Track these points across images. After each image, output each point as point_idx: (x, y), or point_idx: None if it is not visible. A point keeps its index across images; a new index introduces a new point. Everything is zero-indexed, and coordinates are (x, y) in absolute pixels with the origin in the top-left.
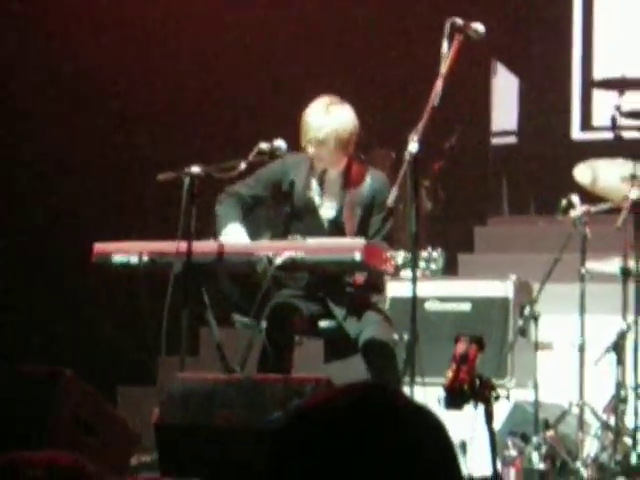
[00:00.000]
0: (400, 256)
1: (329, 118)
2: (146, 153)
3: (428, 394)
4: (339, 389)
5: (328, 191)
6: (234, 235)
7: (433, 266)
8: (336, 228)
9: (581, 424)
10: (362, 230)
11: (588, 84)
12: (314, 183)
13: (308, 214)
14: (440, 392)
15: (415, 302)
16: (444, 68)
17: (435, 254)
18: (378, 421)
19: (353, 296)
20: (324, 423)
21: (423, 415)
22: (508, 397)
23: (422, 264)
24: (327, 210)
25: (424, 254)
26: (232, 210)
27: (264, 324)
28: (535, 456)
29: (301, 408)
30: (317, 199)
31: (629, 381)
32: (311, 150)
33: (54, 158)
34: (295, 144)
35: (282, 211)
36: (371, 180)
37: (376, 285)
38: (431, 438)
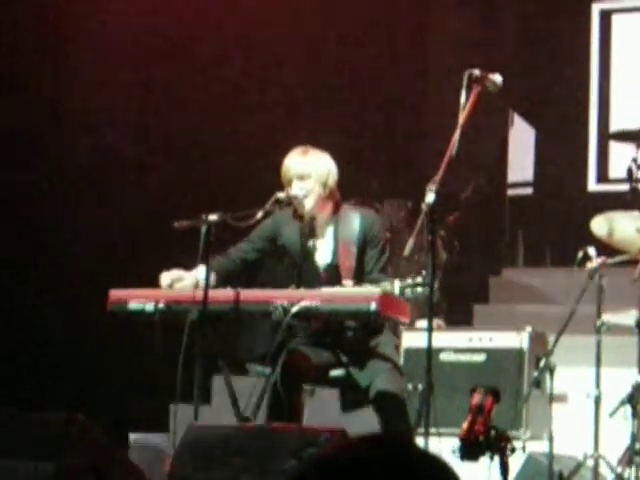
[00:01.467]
0: (396, 285)
1: (307, 157)
2: (161, 199)
3: (443, 445)
4: (353, 440)
5: (320, 237)
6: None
7: (428, 290)
8: (333, 272)
9: (596, 477)
10: (360, 268)
11: (605, 136)
12: (306, 231)
13: (304, 262)
14: (455, 443)
15: (430, 352)
16: (462, 119)
17: (429, 278)
18: (392, 473)
19: (355, 341)
20: (337, 474)
21: (438, 467)
22: (523, 449)
23: (419, 289)
24: (322, 255)
25: (419, 278)
26: (214, 260)
27: (278, 372)
28: None
29: (315, 458)
30: (311, 246)
31: None
32: (293, 188)
33: (70, 206)
34: None
35: (284, 263)
36: (360, 218)
37: (379, 328)
38: None
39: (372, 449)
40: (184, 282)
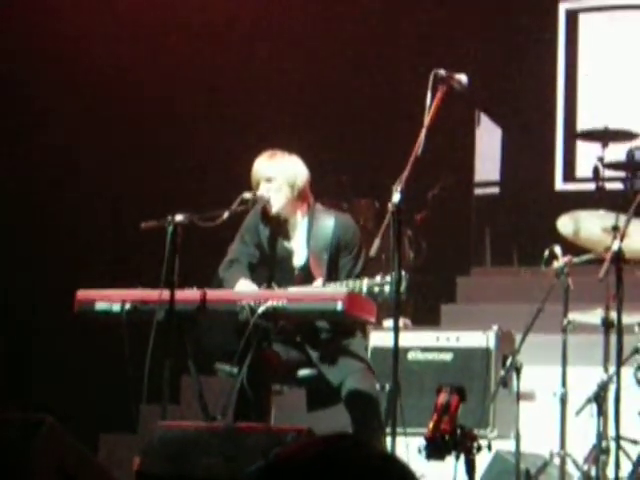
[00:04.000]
0: (364, 284)
1: (273, 160)
2: (130, 201)
3: (410, 444)
4: (311, 440)
5: (293, 239)
6: (247, 288)
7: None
8: (306, 275)
9: (562, 475)
10: (331, 275)
11: (571, 135)
12: (276, 233)
13: (279, 263)
14: (422, 442)
15: (397, 352)
16: (427, 119)
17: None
18: (345, 472)
19: (328, 341)
20: (293, 474)
21: (397, 467)
22: (490, 447)
23: (386, 288)
24: (296, 257)
25: (387, 278)
26: (238, 270)
27: (245, 371)
28: None
29: (273, 459)
30: (284, 248)
31: (610, 432)
32: (262, 189)
33: (38, 206)
34: None
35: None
36: (335, 223)
37: (351, 330)
38: None
39: (334, 447)
40: None
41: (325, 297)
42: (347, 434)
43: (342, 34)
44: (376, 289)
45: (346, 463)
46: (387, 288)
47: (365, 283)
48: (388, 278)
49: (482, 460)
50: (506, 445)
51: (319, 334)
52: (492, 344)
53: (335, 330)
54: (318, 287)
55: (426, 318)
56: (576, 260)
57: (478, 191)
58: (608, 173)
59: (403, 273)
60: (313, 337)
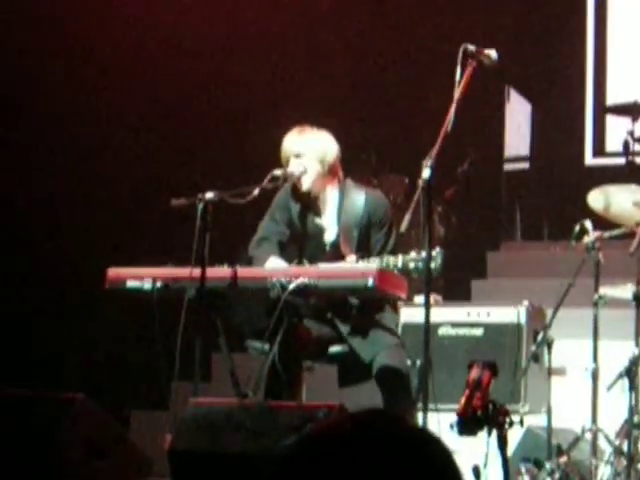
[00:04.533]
0: (399, 260)
1: (302, 136)
2: (160, 179)
3: (442, 420)
4: (343, 416)
5: (324, 215)
6: (277, 266)
7: (432, 264)
8: (337, 251)
9: (594, 450)
10: (360, 251)
11: (601, 110)
12: (307, 209)
13: (310, 239)
14: (453, 418)
15: (428, 328)
16: (457, 94)
17: (433, 253)
18: (378, 447)
19: (359, 316)
20: (326, 449)
21: (428, 442)
22: (521, 423)
23: (420, 265)
24: (328, 233)
25: (423, 254)
26: (268, 248)
27: (276, 349)
28: None
29: (307, 435)
30: (316, 224)
31: None
32: (292, 166)
33: (69, 187)
34: None
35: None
36: (365, 200)
37: (381, 305)
38: (436, 465)
39: (367, 423)
40: None
41: (356, 273)
42: (380, 410)
43: (372, 9)
44: (411, 265)
45: (380, 439)
46: (422, 264)
47: (400, 259)
48: (424, 254)
49: (514, 435)
50: (538, 420)
51: (350, 310)
52: (523, 319)
53: (366, 306)
54: (352, 263)
55: (457, 294)
56: (607, 235)
57: (508, 166)
58: (638, 147)
59: (438, 249)
60: (344, 313)
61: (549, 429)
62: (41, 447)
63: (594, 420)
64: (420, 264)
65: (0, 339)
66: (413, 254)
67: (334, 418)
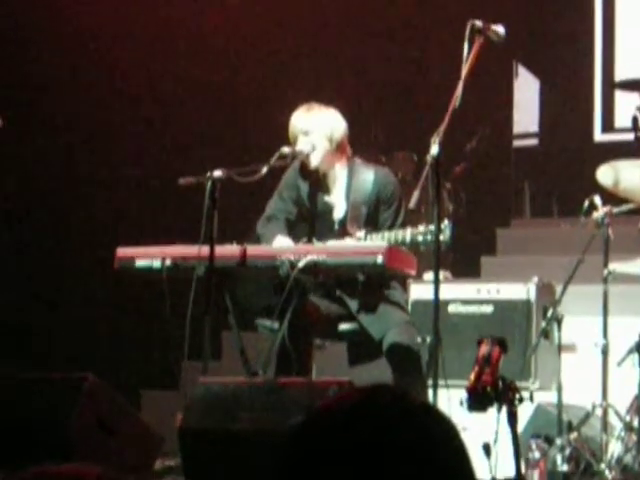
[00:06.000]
0: (408, 234)
1: (310, 113)
2: (168, 158)
3: (452, 397)
4: (349, 391)
5: (333, 193)
6: (284, 244)
7: (441, 237)
8: (345, 229)
9: (605, 426)
10: (369, 229)
11: (610, 85)
12: (316, 187)
13: (319, 217)
14: (463, 394)
15: (438, 305)
16: (465, 70)
17: (442, 225)
18: (385, 421)
19: (368, 293)
20: (332, 425)
21: (433, 416)
22: (532, 399)
23: (429, 237)
24: (336, 211)
25: (431, 226)
26: (275, 227)
27: (286, 326)
28: (559, 458)
29: (314, 410)
30: (325, 202)
31: None
32: (299, 143)
33: (76, 166)
34: None
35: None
36: (374, 177)
37: (391, 282)
38: (441, 441)
39: (373, 397)
40: None
41: (365, 251)
42: (385, 384)
43: None
44: (420, 238)
45: (385, 413)
46: (430, 237)
47: (409, 233)
48: (432, 227)
49: (524, 412)
50: (548, 397)
51: (358, 287)
52: (532, 296)
53: (374, 283)
54: (360, 239)
55: (466, 270)
56: (616, 210)
57: (517, 143)
58: None
59: (446, 222)
60: (353, 290)
61: (559, 405)
62: (53, 426)
63: (604, 396)
64: (429, 236)
65: (9, 321)
66: (421, 227)
67: (340, 393)
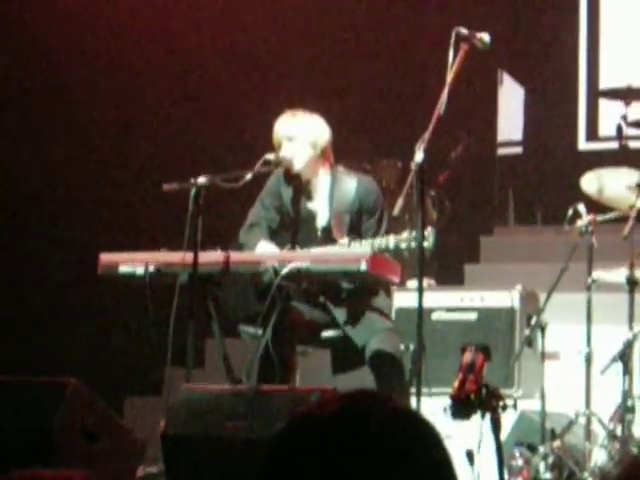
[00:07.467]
0: (391, 240)
1: (294, 119)
2: (152, 164)
3: (435, 404)
4: (331, 397)
5: (316, 199)
6: (267, 250)
7: (424, 244)
8: (329, 236)
9: (588, 434)
10: (352, 237)
11: (594, 94)
12: (299, 194)
13: (302, 224)
14: (447, 402)
15: (421, 312)
16: (449, 77)
17: (426, 232)
18: (366, 426)
19: (352, 300)
20: (312, 430)
21: (415, 422)
22: (515, 407)
23: (412, 244)
24: (319, 218)
25: (414, 233)
26: (258, 234)
27: (269, 333)
28: (542, 466)
29: (294, 416)
30: (307, 209)
31: (636, 390)
32: (283, 149)
33: (60, 172)
34: None
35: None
36: (357, 186)
37: (375, 289)
38: (424, 446)
39: (354, 402)
40: None
41: (349, 258)
42: (368, 390)
43: None
44: (403, 245)
45: (367, 418)
46: (414, 244)
47: (392, 239)
48: (415, 234)
49: (507, 419)
50: (531, 404)
51: (342, 294)
52: (516, 304)
53: (358, 290)
54: (344, 246)
55: (450, 278)
56: (600, 218)
57: (501, 151)
58: (631, 132)
59: (430, 229)
60: (336, 297)
61: (543, 413)
62: (35, 431)
63: (588, 404)
64: (412, 243)
65: None
66: (405, 234)
67: (321, 399)
